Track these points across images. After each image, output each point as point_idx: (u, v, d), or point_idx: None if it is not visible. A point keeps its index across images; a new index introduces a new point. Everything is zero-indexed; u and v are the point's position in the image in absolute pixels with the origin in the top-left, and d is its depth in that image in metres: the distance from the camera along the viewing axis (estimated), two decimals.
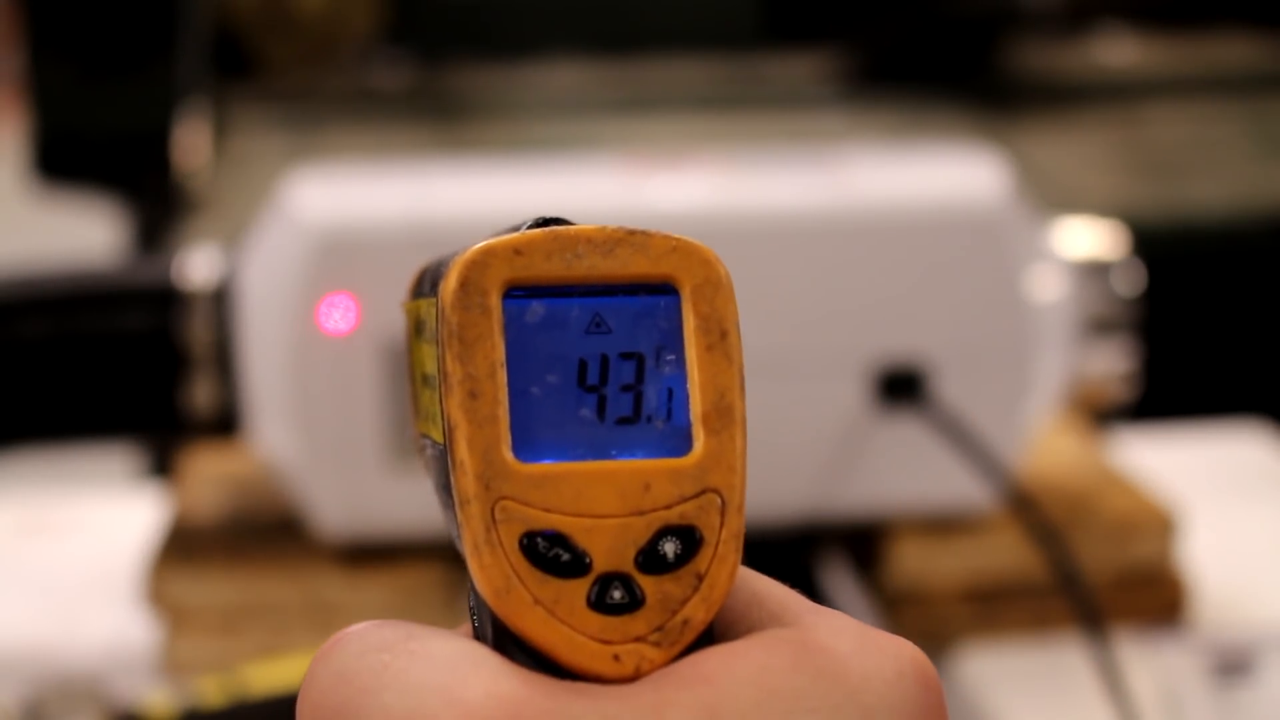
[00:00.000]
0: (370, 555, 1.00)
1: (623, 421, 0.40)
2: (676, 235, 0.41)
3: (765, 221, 0.99)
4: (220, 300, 0.99)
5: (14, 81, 2.38)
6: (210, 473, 1.11)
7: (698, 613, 0.39)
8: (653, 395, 0.40)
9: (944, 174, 1.02)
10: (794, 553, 1.05)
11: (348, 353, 0.96)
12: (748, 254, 0.98)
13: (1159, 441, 1.33)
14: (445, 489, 0.41)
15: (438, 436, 0.41)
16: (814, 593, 1.04)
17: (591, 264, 0.40)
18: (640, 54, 2.25)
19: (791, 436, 0.99)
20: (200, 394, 0.99)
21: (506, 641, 0.39)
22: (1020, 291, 0.99)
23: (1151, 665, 0.98)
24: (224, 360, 0.99)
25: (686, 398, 0.40)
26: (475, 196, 1.00)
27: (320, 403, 0.97)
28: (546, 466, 0.39)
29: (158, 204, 1.97)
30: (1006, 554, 1.02)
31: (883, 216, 0.99)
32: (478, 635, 0.40)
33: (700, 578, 0.39)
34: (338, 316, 0.95)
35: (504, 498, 0.39)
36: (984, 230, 0.98)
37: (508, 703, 0.36)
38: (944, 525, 1.02)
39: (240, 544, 1.03)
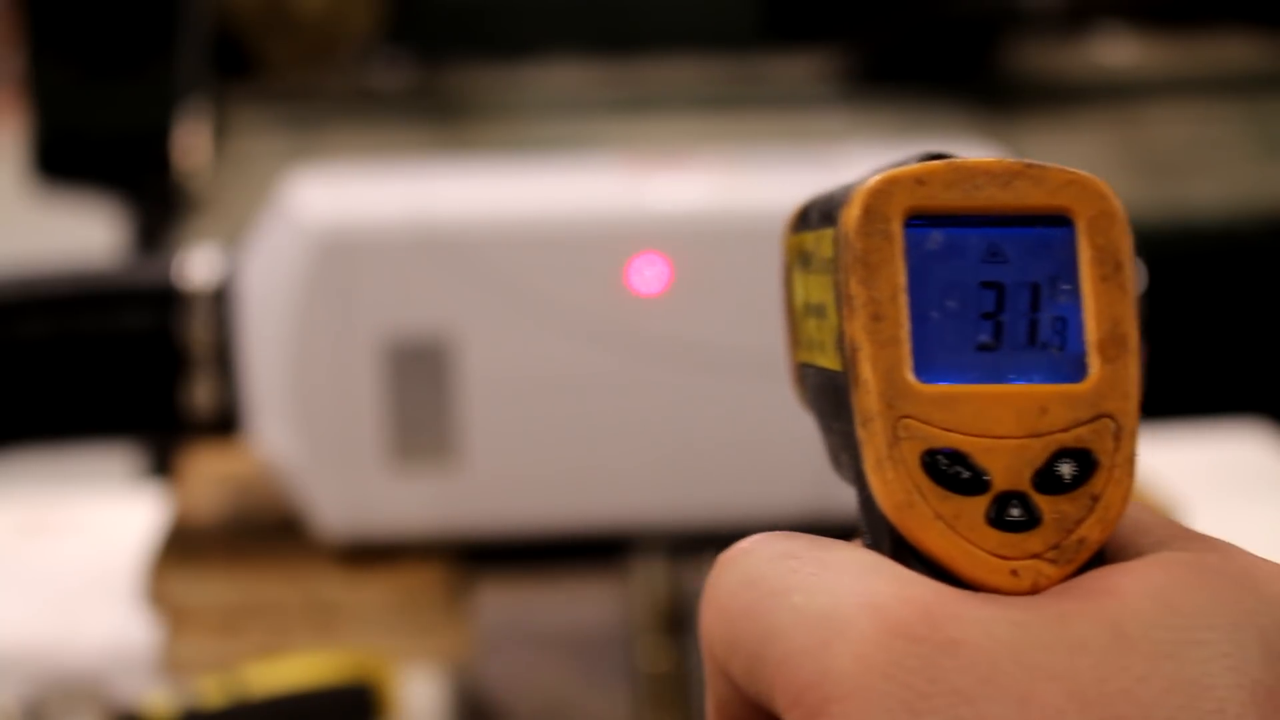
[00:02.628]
0: (370, 555, 1.00)
1: (1019, 347, 0.41)
2: (1074, 170, 0.42)
3: (765, 221, 0.99)
4: (220, 300, 0.99)
5: (14, 81, 2.38)
6: (210, 473, 1.11)
7: (1093, 532, 0.40)
8: (1048, 323, 0.41)
9: None
10: None
11: (348, 353, 0.96)
12: (748, 254, 0.98)
13: (1159, 441, 1.33)
14: (829, 415, 0.43)
15: (824, 363, 0.43)
16: None
17: (990, 195, 0.41)
18: (640, 54, 2.25)
19: (791, 436, 0.99)
20: (200, 394, 0.99)
21: (905, 555, 0.40)
22: None
23: None
24: (224, 360, 0.99)
25: (1081, 326, 0.41)
26: (475, 197, 1.00)
27: (320, 403, 0.97)
28: (946, 388, 0.40)
29: (158, 204, 1.97)
30: None
31: None
32: (872, 550, 0.41)
33: (1095, 499, 0.40)
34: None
35: (906, 416, 0.40)
36: None
37: (918, 604, 0.37)
38: None
39: (240, 544, 1.03)
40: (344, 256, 0.96)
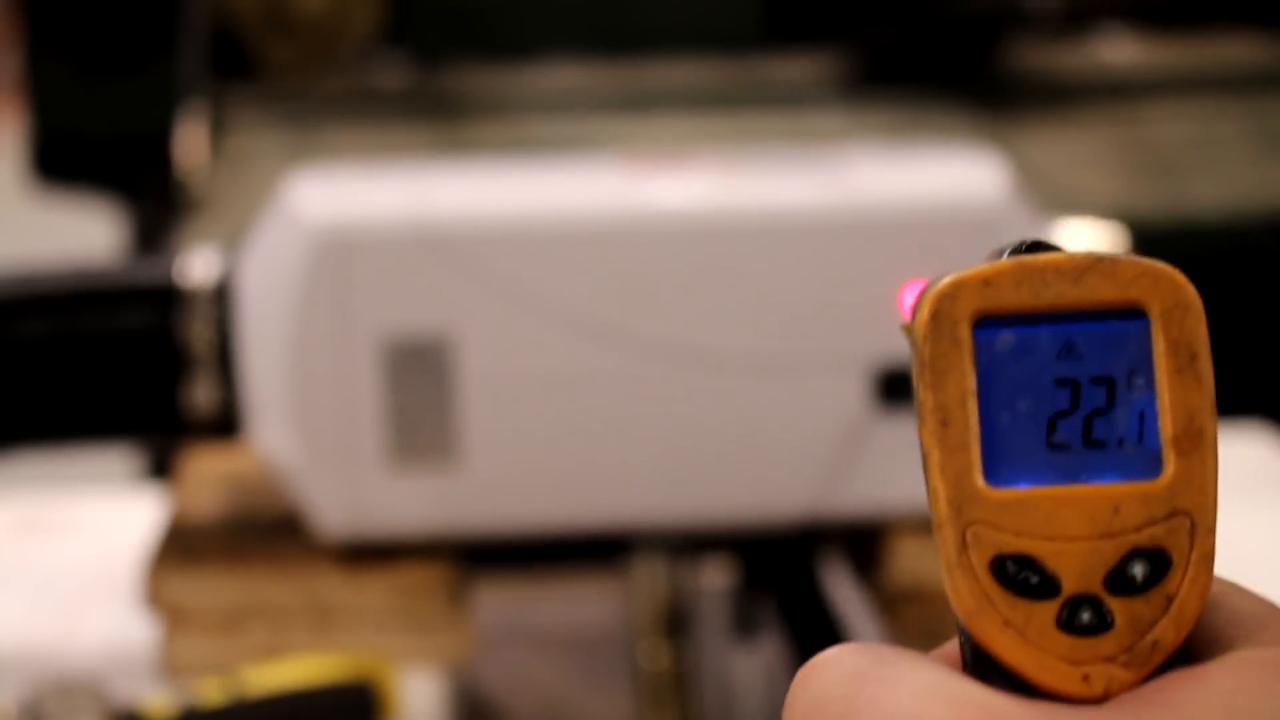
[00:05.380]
0: (370, 555, 1.00)
1: (1093, 445, 0.40)
2: (1144, 259, 0.41)
3: (765, 221, 0.99)
4: (220, 300, 0.99)
5: (13, 81, 2.38)
6: (210, 473, 1.11)
7: (1167, 634, 0.39)
8: (1123, 418, 0.41)
9: (944, 174, 1.02)
10: (794, 553, 1.05)
11: (347, 352, 0.96)
12: (748, 254, 0.98)
13: None
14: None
15: None
16: (814, 593, 1.04)
17: (1059, 291, 0.41)
18: (640, 54, 2.25)
19: (791, 436, 0.99)
20: (200, 394, 0.99)
21: (981, 659, 0.40)
22: None
23: None
24: (224, 360, 0.99)
25: (1156, 420, 0.40)
26: (475, 197, 1.00)
27: (320, 402, 0.97)
28: (1017, 491, 0.40)
29: (158, 204, 1.97)
30: None
31: (883, 216, 0.99)
32: (961, 651, 0.41)
33: (1170, 599, 0.40)
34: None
35: (975, 522, 0.40)
36: (984, 230, 0.98)
37: None
38: None
39: (240, 544, 1.03)
40: (343, 256, 0.96)
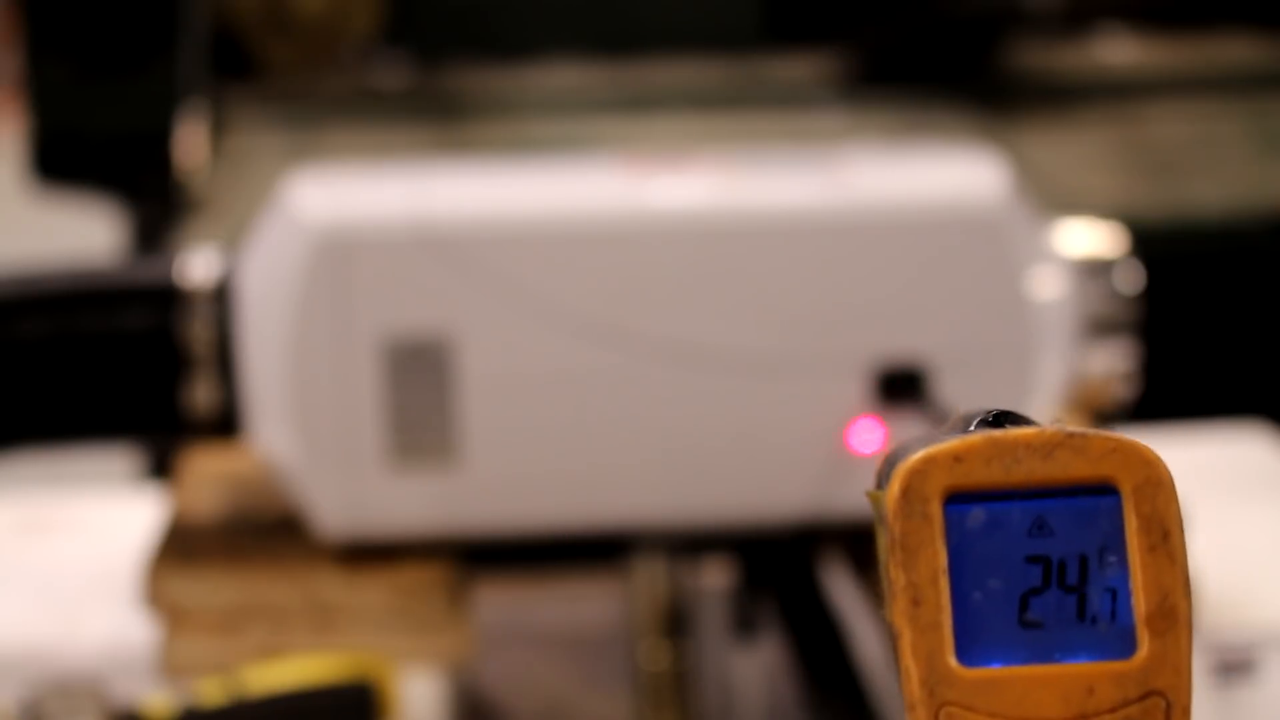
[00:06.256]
0: (370, 555, 1.00)
1: (1066, 624, 0.40)
2: (1115, 435, 0.41)
3: (766, 221, 0.99)
4: (220, 300, 0.99)
5: (13, 81, 2.38)
6: (210, 473, 1.11)
7: None
8: (1095, 597, 0.40)
9: (945, 174, 1.02)
10: (794, 553, 1.05)
11: (347, 352, 0.96)
12: (748, 254, 0.98)
13: (1158, 442, 1.32)
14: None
15: None
16: (814, 593, 1.04)
17: (1030, 468, 0.40)
18: (640, 54, 2.25)
19: (791, 436, 0.99)
20: (200, 394, 0.99)
21: None
22: (1020, 291, 0.99)
23: None
24: (224, 360, 0.99)
25: (1130, 598, 0.40)
26: (475, 197, 1.00)
27: (319, 402, 0.97)
28: (990, 671, 0.39)
29: (158, 204, 1.97)
30: None
31: (883, 216, 0.99)
32: None
33: None
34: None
35: (948, 703, 0.39)
36: (984, 230, 0.98)
37: None
38: None
39: (240, 544, 1.03)
40: (343, 256, 0.96)
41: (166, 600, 0.99)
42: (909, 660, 0.39)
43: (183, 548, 1.02)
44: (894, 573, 0.40)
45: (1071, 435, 0.41)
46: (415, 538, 1.00)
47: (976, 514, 0.40)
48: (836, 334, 0.99)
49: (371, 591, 0.99)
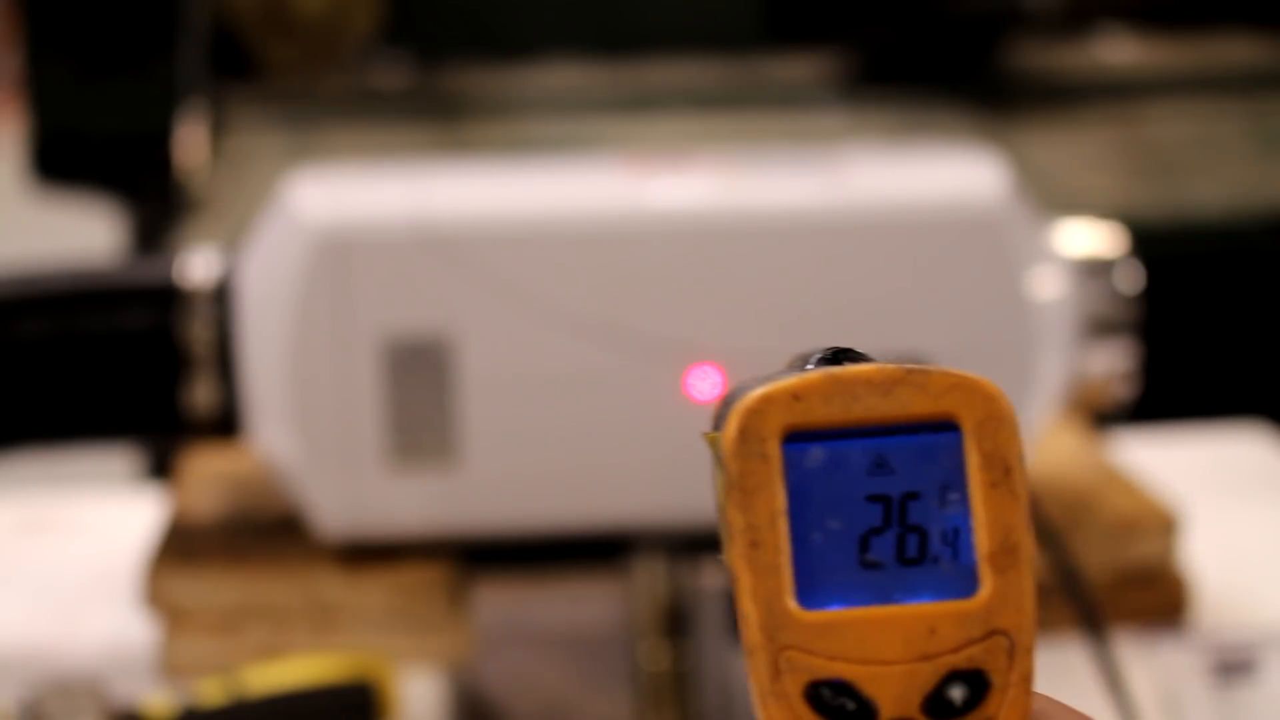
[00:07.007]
0: (370, 555, 1.00)
1: (907, 563, 0.39)
2: (957, 371, 0.40)
3: (765, 221, 0.99)
4: (220, 300, 0.99)
5: (13, 81, 2.38)
6: (210, 473, 1.11)
7: None
8: (937, 535, 0.40)
9: (944, 174, 1.02)
10: None
11: (347, 352, 0.96)
12: (748, 254, 0.98)
13: (1159, 441, 1.33)
14: (732, 631, 0.42)
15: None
16: None
17: (870, 405, 0.39)
18: (640, 54, 2.25)
19: None
20: (200, 394, 0.99)
21: None
22: (1020, 291, 0.99)
23: (1151, 665, 0.98)
24: (224, 360, 0.99)
25: (971, 536, 0.39)
26: (475, 196, 1.00)
27: (319, 402, 0.97)
28: (830, 614, 0.39)
29: (158, 204, 1.97)
30: None
31: (883, 216, 0.99)
32: None
33: None
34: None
35: (788, 647, 0.39)
36: (984, 230, 0.98)
37: None
38: None
39: (240, 544, 1.03)
40: (343, 255, 0.96)
41: (166, 600, 0.99)
42: (748, 604, 0.39)
43: (183, 548, 1.02)
44: (731, 515, 0.39)
45: (912, 372, 0.40)
46: (415, 538, 1.00)
47: (815, 453, 0.39)
48: (836, 334, 0.98)
49: (371, 591, 0.99)
